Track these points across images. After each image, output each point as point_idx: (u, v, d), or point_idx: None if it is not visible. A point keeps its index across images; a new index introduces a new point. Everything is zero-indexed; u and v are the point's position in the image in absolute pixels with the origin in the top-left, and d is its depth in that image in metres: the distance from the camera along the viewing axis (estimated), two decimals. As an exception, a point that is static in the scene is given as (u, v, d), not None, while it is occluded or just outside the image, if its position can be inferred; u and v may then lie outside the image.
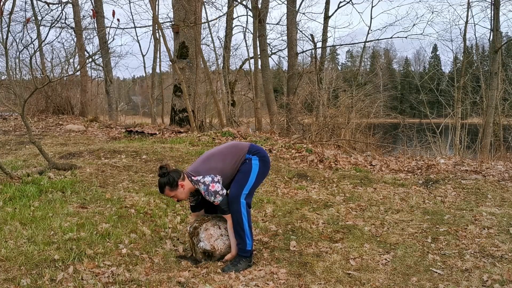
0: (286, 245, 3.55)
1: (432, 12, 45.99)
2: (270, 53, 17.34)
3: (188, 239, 3.37)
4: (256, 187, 3.23)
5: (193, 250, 3.25)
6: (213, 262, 3.17)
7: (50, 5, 13.01)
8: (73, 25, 15.19)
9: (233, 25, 16.98)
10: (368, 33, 16.54)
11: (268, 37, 18.39)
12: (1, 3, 4.39)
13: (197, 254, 3.22)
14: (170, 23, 13.88)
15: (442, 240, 3.69)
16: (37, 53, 14.02)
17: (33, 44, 13.26)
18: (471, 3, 13.88)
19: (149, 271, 2.95)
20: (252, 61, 15.29)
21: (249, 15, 15.64)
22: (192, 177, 3.08)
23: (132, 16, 40.79)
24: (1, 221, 3.53)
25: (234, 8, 16.51)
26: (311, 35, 30.05)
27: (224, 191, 3.07)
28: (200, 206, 3.37)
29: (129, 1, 20.48)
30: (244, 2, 14.91)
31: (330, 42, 44.34)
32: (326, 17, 15.84)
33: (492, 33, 12.99)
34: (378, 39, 22.71)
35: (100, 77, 18.96)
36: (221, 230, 3.20)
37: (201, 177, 3.06)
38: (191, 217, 3.49)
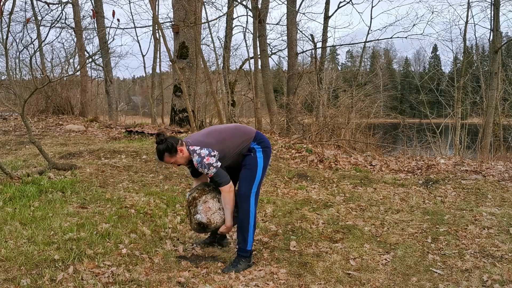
0: (286, 245, 3.56)
1: (432, 12, 46.07)
2: (270, 53, 17.32)
3: (189, 237, 3.36)
4: (263, 179, 3.21)
5: (189, 219, 3.22)
6: (213, 263, 3.17)
7: (50, 5, 13.01)
8: (73, 25, 15.19)
9: (233, 25, 16.97)
10: (368, 33, 16.47)
11: (268, 37, 18.39)
12: (1, 3, 4.39)
13: (192, 224, 3.19)
14: (170, 23, 13.88)
15: (442, 240, 3.69)
16: (37, 53, 14.03)
17: (33, 44, 13.28)
18: (471, 3, 13.91)
19: (149, 271, 2.95)
20: (252, 61, 15.27)
21: (249, 15, 15.64)
22: (189, 146, 3.02)
23: (132, 16, 40.67)
24: (1, 221, 3.53)
25: (234, 8, 16.51)
26: (311, 35, 30.10)
27: (219, 164, 2.99)
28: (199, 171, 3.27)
29: (129, 1, 20.51)
30: (244, 2, 14.90)
31: (330, 42, 44.38)
32: (326, 17, 15.83)
33: (492, 33, 12.99)
34: (378, 39, 22.62)
35: (100, 77, 18.96)
36: (220, 204, 3.14)
37: (198, 148, 2.99)
38: (194, 182, 3.40)
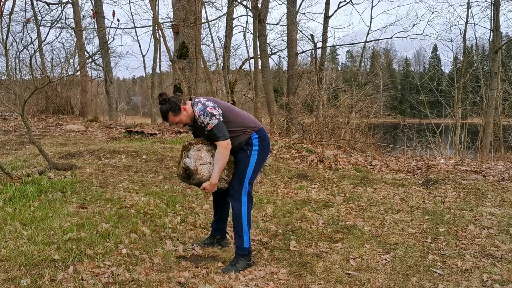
0: (286, 245, 3.56)
1: (432, 12, 46.06)
2: (270, 53, 17.33)
3: (189, 237, 3.36)
4: (256, 175, 3.19)
5: (178, 165, 3.15)
6: (213, 263, 3.17)
7: (50, 5, 13.01)
8: (73, 25, 15.19)
9: (233, 25, 16.98)
10: (368, 33, 16.48)
11: (268, 37, 18.37)
12: (1, 3, 4.39)
13: (179, 169, 3.12)
14: (170, 23, 13.87)
15: (442, 240, 3.69)
16: (37, 53, 14.02)
17: (33, 44, 13.28)
18: (471, 3, 13.91)
19: (149, 271, 2.95)
20: (252, 61, 15.29)
21: (249, 15, 15.64)
22: (196, 99, 3.01)
23: (132, 16, 40.53)
24: (1, 221, 3.53)
25: (234, 8, 16.51)
26: (311, 35, 30.06)
27: (221, 118, 2.96)
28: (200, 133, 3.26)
29: (129, 1, 20.51)
30: (244, 2, 14.91)
31: (330, 42, 44.28)
32: (326, 17, 15.84)
33: (492, 33, 12.99)
34: (378, 39, 22.57)
35: (100, 77, 18.95)
36: (213, 159, 3.03)
37: (204, 99, 3.00)
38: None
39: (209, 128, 2.95)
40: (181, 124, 3.05)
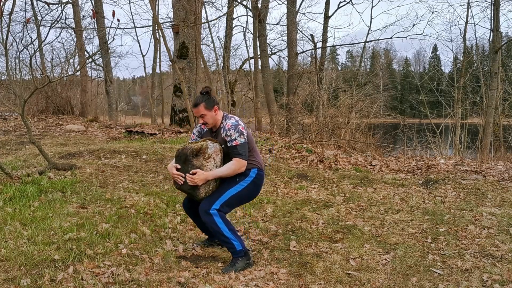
0: (286, 245, 3.56)
1: (432, 12, 45.91)
2: (270, 53, 17.34)
3: (189, 237, 3.33)
4: (232, 206, 3.18)
5: (186, 145, 3.11)
6: (213, 263, 3.17)
7: (50, 5, 13.00)
8: (73, 25, 15.20)
9: (233, 25, 16.99)
10: (368, 33, 16.45)
11: (268, 37, 18.37)
12: (1, 3, 4.39)
13: (190, 145, 3.05)
14: (170, 23, 13.87)
15: (442, 240, 3.69)
16: (37, 53, 14.04)
17: (33, 44, 13.30)
18: (471, 3, 13.90)
19: (149, 271, 2.95)
20: (252, 61, 15.30)
21: (249, 15, 15.65)
22: (229, 114, 3.14)
23: (132, 16, 40.62)
24: (1, 221, 3.53)
25: (234, 8, 16.52)
26: (311, 35, 30.09)
27: (247, 140, 3.08)
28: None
29: (129, 1, 20.52)
30: (244, 2, 14.92)
31: (330, 42, 44.33)
32: (326, 17, 15.84)
33: (492, 33, 12.98)
34: (378, 39, 22.50)
35: (100, 77, 18.96)
36: (219, 165, 3.06)
37: (238, 118, 3.13)
38: None
39: (234, 144, 3.04)
40: (202, 120, 3.14)
